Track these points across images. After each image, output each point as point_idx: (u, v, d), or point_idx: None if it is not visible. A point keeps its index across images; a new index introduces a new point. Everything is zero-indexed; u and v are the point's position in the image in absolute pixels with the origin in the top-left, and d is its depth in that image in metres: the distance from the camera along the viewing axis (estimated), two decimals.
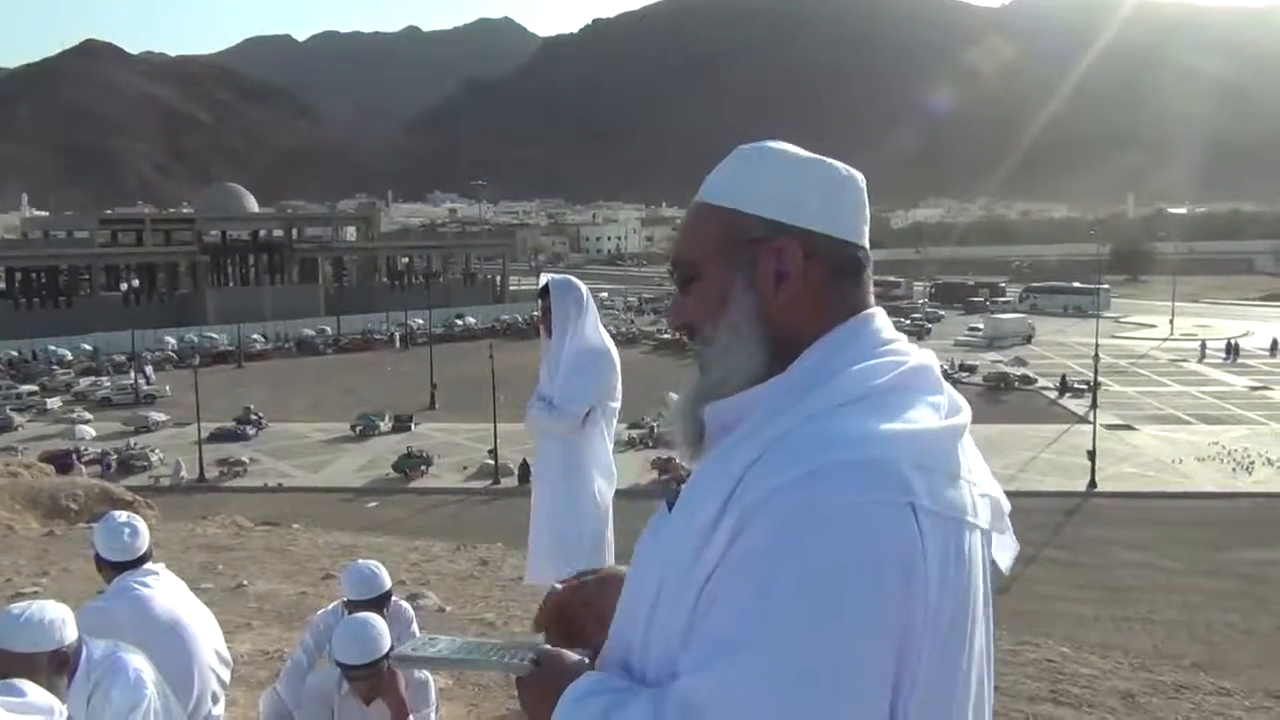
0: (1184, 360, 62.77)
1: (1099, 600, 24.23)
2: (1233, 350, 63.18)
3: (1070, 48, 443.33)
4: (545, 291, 4.51)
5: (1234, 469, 38.72)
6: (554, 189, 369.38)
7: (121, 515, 3.79)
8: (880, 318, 1.25)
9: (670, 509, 1.25)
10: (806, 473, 1.07)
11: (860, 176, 1.29)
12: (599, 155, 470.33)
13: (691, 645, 1.10)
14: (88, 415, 50.65)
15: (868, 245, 1.28)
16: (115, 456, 41.56)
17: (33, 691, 2.01)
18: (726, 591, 1.08)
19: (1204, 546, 29.77)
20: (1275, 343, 65.09)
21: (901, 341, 1.24)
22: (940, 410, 1.19)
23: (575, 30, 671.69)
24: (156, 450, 43.01)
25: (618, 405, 4.58)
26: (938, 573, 1.08)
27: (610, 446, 4.65)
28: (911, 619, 1.07)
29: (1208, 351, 63.48)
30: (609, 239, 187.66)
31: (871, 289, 1.28)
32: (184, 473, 39.55)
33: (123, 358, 67.38)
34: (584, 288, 4.53)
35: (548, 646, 1.28)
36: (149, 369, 62.48)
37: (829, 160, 1.28)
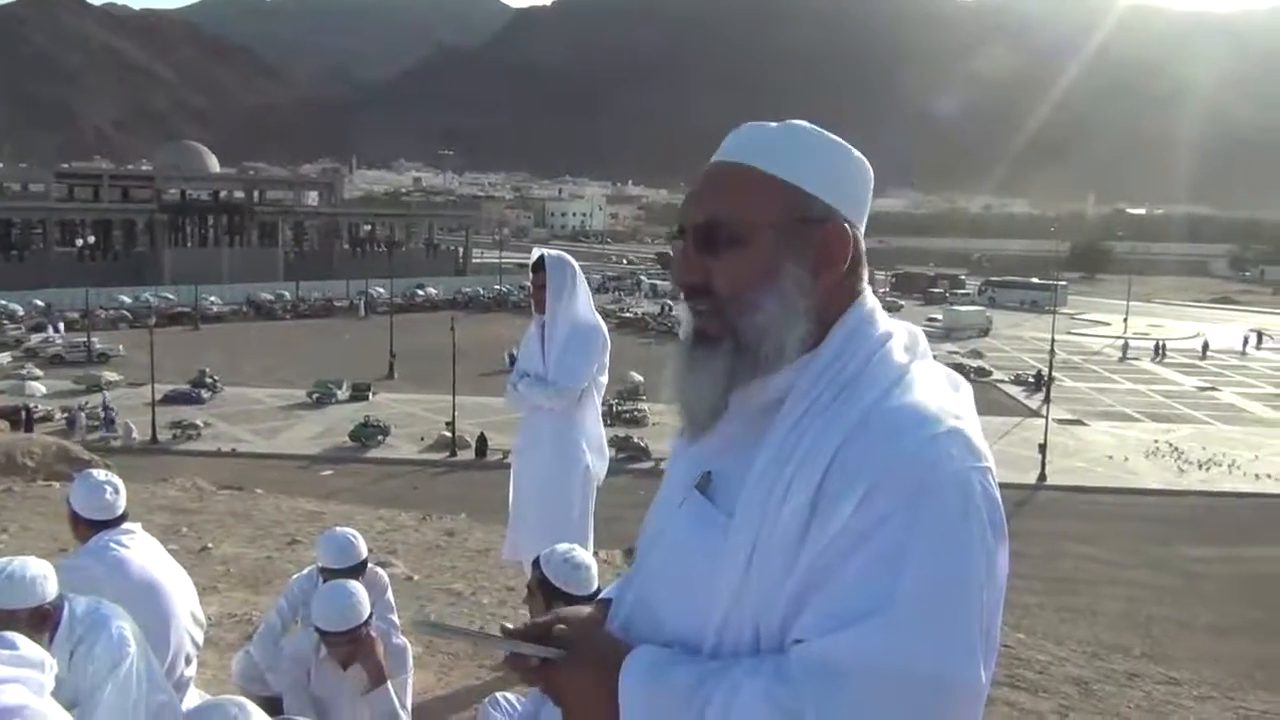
0: (1136, 358, 63.89)
1: (1044, 591, 24.63)
2: (1160, 350, 64.36)
3: (1047, 45, 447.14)
4: (537, 266, 4.49)
5: (1180, 467, 39.57)
6: (520, 162, 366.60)
7: (101, 473, 3.76)
8: (871, 298, 1.32)
9: (706, 496, 1.28)
10: (917, 446, 1.14)
11: None
12: (567, 130, 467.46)
13: (815, 612, 1.12)
14: (38, 372, 49.79)
15: None
16: (116, 413, 40.80)
17: (24, 644, 2.02)
18: (858, 557, 1.11)
19: (1148, 541, 30.42)
20: (1206, 345, 66.38)
21: (886, 318, 1.32)
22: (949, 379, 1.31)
23: (548, 3, 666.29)
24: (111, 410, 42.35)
25: (605, 380, 4.62)
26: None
27: (601, 421, 4.67)
28: (1008, 573, 1.21)
29: (1130, 351, 64.62)
30: (574, 215, 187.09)
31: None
32: (135, 434, 39.01)
33: (61, 314, 66.28)
34: (576, 264, 4.54)
35: (565, 625, 1.27)
36: (60, 324, 62.29)
37: (859, 153, 1.33)
